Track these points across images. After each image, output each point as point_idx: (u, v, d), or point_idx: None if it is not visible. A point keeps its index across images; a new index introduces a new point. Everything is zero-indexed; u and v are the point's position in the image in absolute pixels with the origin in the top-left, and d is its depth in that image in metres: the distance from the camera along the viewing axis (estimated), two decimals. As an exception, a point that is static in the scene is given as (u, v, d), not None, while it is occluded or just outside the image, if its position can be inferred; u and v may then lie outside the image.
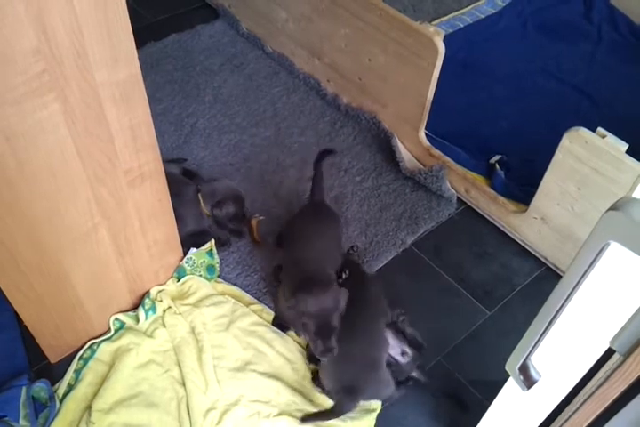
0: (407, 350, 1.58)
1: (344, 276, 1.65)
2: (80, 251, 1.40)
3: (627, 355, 0.61)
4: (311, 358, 1.62)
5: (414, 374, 1.59)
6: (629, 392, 0.63)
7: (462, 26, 2.67)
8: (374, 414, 1.54)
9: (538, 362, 0.84)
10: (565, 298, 0.69)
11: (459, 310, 1.78)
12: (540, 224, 1.82)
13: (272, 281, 1.78)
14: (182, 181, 1.84)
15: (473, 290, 1.83)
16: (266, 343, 1.64)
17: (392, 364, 1.55)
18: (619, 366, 0.62)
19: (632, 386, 0.62)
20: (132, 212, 1.43)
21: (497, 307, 1.80)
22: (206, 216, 1.82)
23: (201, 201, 1.80)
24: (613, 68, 2.56)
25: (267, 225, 1.87)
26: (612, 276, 0.67)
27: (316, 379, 1.59)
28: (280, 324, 1.68)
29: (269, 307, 1.73)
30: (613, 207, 0.59)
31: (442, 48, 1.79)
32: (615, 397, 0.64)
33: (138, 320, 1.63)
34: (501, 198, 1.93)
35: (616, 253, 0.62)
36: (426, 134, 2.07)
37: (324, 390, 1.56)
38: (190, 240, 1.76)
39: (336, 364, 1.49)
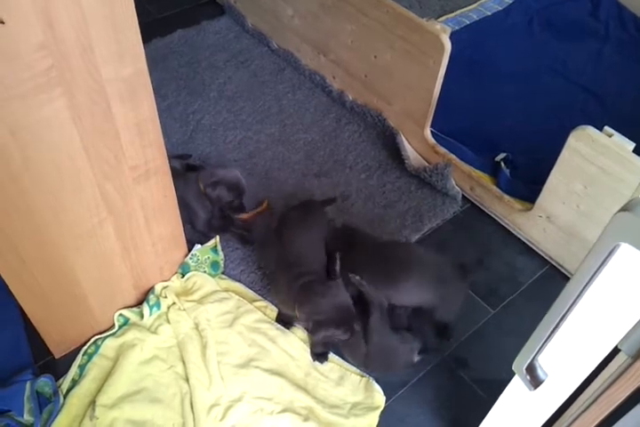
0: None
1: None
2: (85, 246, 1.40)
3: (635, 357, 0.60)
4: (314, 355, 1.63)
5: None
6: (637, 394, 0.62)
7: (468, 23, 2.65)
8: (377, 412, 1.55)
9: (544, 362, 0.84)
10: (574, 299, 0.68)
11: (462, 308, 1.77)
12: (545, 223, 1.82)
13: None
14: (184, 174, 1.82)
15: (477, 288, 1.82)
16: (269, 340, 1.64)
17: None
18: (627, 368, 0.61)
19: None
20: (137, 208, 1.43)
21: (501, 305, 1.79)
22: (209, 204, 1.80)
23: (200, 185, 1.76)
24: (620, 66, 2.55)
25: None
26: (621, 277, 0.66)
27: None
28: (283, 321, 1.68)
29: (273, 304, 1.73)
30: (624, 208, 0.59)
31: (448, 45, 1.78)
32: (623, 399, 0.64)
33: (142, 316, 1.63)
34: (506, 197, 1.92)
35: (626, 254, 0.61)
36: (431, 132, 2.06)
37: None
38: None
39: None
